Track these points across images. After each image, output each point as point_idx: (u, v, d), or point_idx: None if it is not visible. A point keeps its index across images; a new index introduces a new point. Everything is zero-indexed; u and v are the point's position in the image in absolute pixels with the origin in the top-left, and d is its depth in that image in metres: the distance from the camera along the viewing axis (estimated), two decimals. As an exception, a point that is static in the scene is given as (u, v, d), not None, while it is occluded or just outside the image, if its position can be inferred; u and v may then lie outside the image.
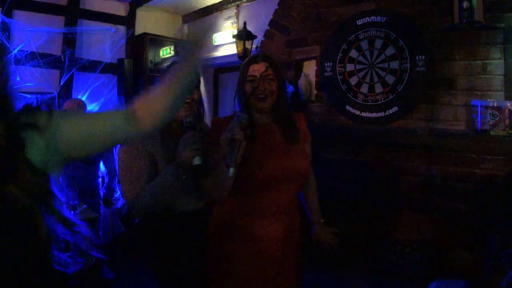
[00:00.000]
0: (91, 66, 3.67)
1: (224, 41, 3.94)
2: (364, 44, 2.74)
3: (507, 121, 2.14)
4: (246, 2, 3.72)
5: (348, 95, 2.82)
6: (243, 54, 3.21)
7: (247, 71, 1.38)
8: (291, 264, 1.46)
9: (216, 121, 1.44)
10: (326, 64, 2.94)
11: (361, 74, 2.76)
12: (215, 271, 1.41)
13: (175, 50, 4.08)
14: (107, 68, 3.83)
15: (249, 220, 1.37)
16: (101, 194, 3.50)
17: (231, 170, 1.18)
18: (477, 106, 2.23)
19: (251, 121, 1.35)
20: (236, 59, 3.39)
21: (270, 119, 1.44)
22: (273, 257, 1.38)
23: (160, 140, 1.39)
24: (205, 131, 1.52)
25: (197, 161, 1.27)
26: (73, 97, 3.60)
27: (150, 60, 4.04)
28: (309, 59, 3.13)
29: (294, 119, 1.49)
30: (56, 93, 3.50)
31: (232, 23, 3.88)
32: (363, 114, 2.75)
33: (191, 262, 1.44)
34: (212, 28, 1.32)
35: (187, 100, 1.39)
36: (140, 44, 4.03)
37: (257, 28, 3.38)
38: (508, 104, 2.14)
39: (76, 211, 2.44)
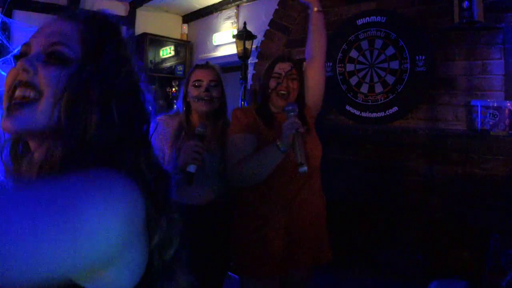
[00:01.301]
0: (91, 66, 3.67)
1: (224, 41, 3.94)
2: (364, 44, 2.74)
3: (507, 121, 2.14)
4: (246, 2, 3.72)
5: (348, 95, 2.82)
6: (243, 54, 3.21)
7: (273, 68, 1.49)
8: (314, 249, 1.50)
9: (237, 111, 1.52)
10: (326, 64, 2.94)
11: (361, 74, 2.76)
12: (240, 260, 1.46)
13: None
14: (107, 68, 3.83)
15: (270, 209, 1.42)
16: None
17: (305, 167, 1.26)
18: (477, 106, 2.23)
19: (269, 112, 1.47)
20: (236, 59, 3.39)
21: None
22: (295, 243, 1.43)
23: (175, 133, 1.51)
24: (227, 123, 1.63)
25: (191, 168, 1.34)
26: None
27: (150, 60, 4.03)
28: (309, 59, 3.13)
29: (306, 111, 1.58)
30: (56, 93, 3.50)
31: (232, 23, 3.88)
32: (363, 114, 2.75)
33: (203, 254, 1.46)
34: None
35: (205, 98, 1.50)
36: (140, 44, 4.02)
37: (257, 28, 3.38)
38: (508, 104, 2.14)
39: None
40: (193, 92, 1.53)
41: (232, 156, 1.41)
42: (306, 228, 1.46)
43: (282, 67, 1.48)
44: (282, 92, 1.46)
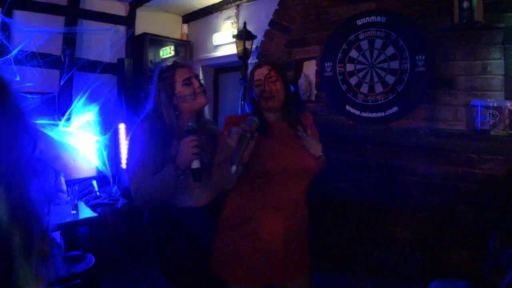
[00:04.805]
0: (91, 66, 3.67)
1: (224, 41, 3.94)
2: (364, 44, 2.74)
3: (507, 121, 2.14)
4: (246, 2, 3.72)
5: (348, 95, 2.82)
6: (243, 54, 3.21)
7: (253, 77, 1.51)
8: (298, 261, 1.48)
9: (229, 119, 1.51)
10: (326, 64, 2.94)
11: (361, 74, 2.76)
12: (223, 265, 1.44)
13: None
14: (107, 68, 3.83)
15: (257, 215, 1.40)
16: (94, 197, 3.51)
17: (233, 167, 1.24)
18: (477, 106, 2.23)
19: (263, 120, 1.45)
20: (236, 59, 3.39)
21: (279, 117, 1.53)
22: (279, 252, 1.41)
23: (163, 137, 1.48)
24: (208, 126, 1.64)
25: (195, 164, 1.35)
26: (73, 97, 3.60)
27: (150, 60, 4.03)
28: (309, 59, 3.14)
29: (300, 117, 1.58)
30: (56, 93, 3.50)
31: (232, 23, 3.88)
32: (363, 114, 2.75)
33: (193, 256, 1.48)
34: None
35: (202, 93, 1.54)
36: (140, 44, 4.02)
37: (257, 28, 3.38)
38: (508, 104, 2.14)
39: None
40: (186, 91, 1.51)
41: (213, 161, 1.44)
42: (292, 234, 1.44)
43: (260, 73, 1.49)
44: (267, 95, 1.46)
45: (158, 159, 1.45)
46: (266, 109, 1.49)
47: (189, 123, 1.38)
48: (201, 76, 4.22)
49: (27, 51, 3.18)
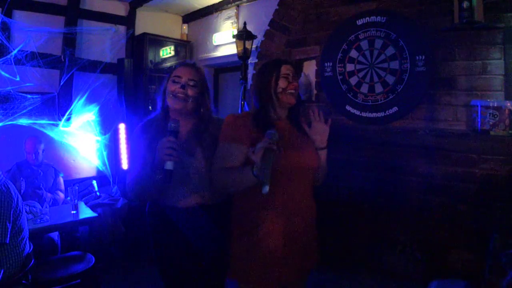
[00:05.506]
0: (91, 66, 3.67)
1: (224, 41, 3.94)
2: (364, 44, 2.74)
3: (507, 121, 2.14)
4: (246, 2, 3.72)
5: (348, 95, 2.82)
6: (243, 54, 3.21)
7: (280, 69, 1.52)
8: (308, 259, 1.51)
9: (232, 117, 1.51)
10: (326, 64, 2.94)
11: (361, 74, 2.76)
12: (237, 270, 1.46)
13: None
14: (107, 68, 3.83)
15: (265, 219, 1.41)
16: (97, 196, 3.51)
17: (266, 187, 1.22)
18: (477, 106, 2.23)
19: (268, 117, 1.48)
20: (236, 59, 3.39)
21: (285, 115, 1.55)
22: (289, 254, 1.42)
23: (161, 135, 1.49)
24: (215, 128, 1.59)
25: (168, 166, 1.33)
26: (73, 97, 3.60)
27: (150, 60, 4.03)
28: (309, 59, 3.14)
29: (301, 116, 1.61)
30: (56, 93, 3.50)
31: (232, 23, 3.88)
32: (363, 114, 2.75)
33: (187, 256, 1.48)
34: None
35: (179, 95, 1.49)
36: (140, 44, 4.02)
37: (257, 28, 3.38)
38: (508, 104, 2.14)
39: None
40: (170, 87, 1.52)
41: (216, 162, 1.42)
42: (302, 234, 1.46)
43: (289, 68, 1.53)
44: (291, 91, 1.50)
45: (148, 155, 1.45)
46: (282, 104, 1.51)
47: (172, 124, 1.37)
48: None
49: (27, 51, 3.18)
